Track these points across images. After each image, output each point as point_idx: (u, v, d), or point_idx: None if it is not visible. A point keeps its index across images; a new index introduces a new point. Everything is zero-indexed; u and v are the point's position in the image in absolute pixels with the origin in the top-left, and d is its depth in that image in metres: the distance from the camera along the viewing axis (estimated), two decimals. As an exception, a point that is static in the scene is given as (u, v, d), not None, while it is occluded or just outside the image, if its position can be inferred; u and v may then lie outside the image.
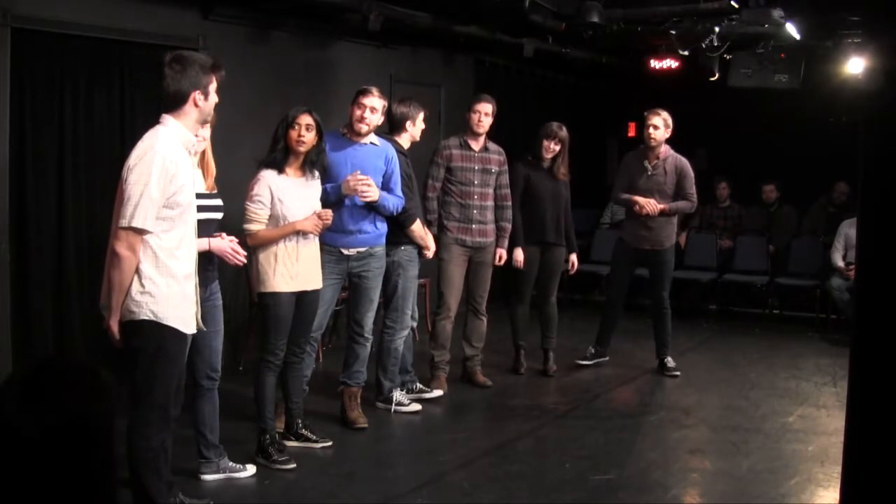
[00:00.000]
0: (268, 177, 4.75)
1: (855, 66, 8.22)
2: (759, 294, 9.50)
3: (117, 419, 1.61)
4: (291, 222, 4.76)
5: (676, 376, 6.93)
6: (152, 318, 3.57)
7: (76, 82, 5.87)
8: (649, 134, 6.80)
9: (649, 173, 6.84)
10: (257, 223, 4.69)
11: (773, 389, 6.65)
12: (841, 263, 8.39)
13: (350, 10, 6.78)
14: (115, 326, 3.60)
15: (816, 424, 5.76)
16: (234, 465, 4.60)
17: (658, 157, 6.85)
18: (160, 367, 3.64)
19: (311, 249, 4.90)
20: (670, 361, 7.02)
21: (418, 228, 5.73)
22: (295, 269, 4.78)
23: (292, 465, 4.78)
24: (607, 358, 7.28)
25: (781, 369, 7.25)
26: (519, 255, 6.58)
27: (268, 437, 4.82)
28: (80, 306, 5.95)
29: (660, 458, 5.21)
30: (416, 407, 5.91)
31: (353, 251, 5.34)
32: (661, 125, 6.79)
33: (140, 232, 3.52)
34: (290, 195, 4.76)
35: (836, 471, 4.58)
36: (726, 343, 8.34)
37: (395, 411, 5.80)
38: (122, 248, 3.51)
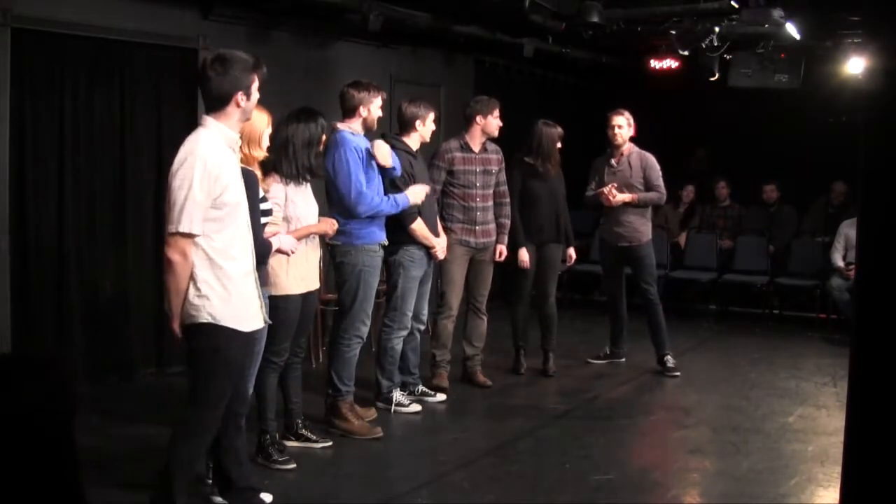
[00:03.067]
0: (275, 178, 4.74)
1: (855, 66, 8.22)
2: (759, 294, 9.50)
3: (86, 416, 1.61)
4: (307, 225, 4.79)
5: (676, 376, 6.93)
6: (210, 320, 3.60)
7: (76, 82, 5.87)
8: (614, 134, 6.94)
9: (614, 170, 6.96)
10: (273, 225, 4.67)
11: (773, 389, 6.65)
12: (841, 263, 8.39)
13: (350, 10, 6.78)
14: (177, 329, 3.65)
15: (816, 424, 5.76)
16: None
17: (622, 154, 6.97)
18: (218, 368, 3.68)
19: (315, 251, 4.95)
20: (670, 361, 7.02)
21: (419, 228, 5.71)
22: (304, 271, 4.79)
23: (292, 466, 4.78)
24: (623, 359, 7.32)
25: (781, 369, 7.25)
26: (524, 254, 6.57)
27: (268, 437, 4.82)
28: (81, 306, 5.96)
29: (660, 458, 5.22)
30: (417, 407, 5.91)
31: (385, 244, 5.49)
32: (624, 124, 6.94)
33: (188, 236, 3.52)
34: (300, 196, 4.78)
35: (836, 471, 4.58)
36: (726, 343, 8.34)
37: (395, 411, 5.80)
38: (173, 254, 3.53)
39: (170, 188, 3.54)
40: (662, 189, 7.00)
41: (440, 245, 5.86)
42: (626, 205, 6.86)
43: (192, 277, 3.56)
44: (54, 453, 1.50)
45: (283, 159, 4.69)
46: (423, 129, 5.78)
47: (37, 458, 1.48)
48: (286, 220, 4.72)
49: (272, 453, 4.79)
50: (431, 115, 5.81)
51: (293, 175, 4.72)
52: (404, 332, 5.83)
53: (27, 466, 1.47)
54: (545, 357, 6.91)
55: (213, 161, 3.55)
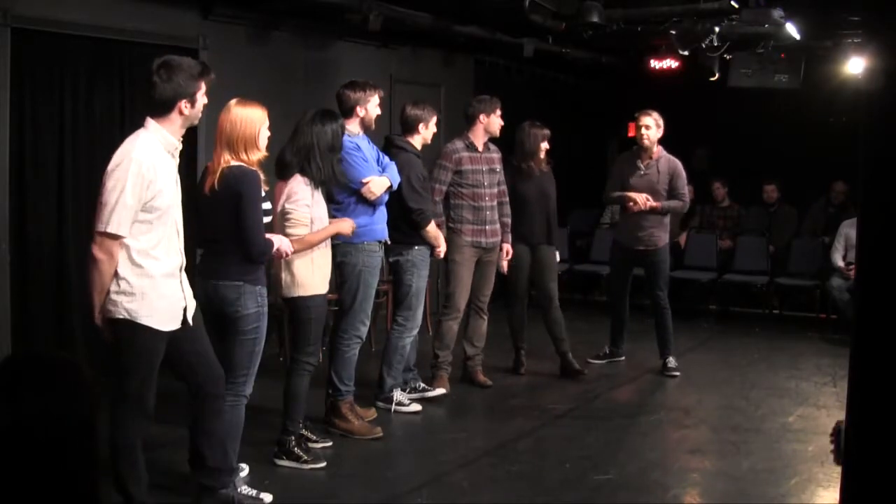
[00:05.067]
0: (302, 180, 4.72)
1: (855, 66, 8.22)
2: (759, 294, 9.50)
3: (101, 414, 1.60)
4: (329, 225, 4.79)
5: (676, 376, 6.93)
6: (127, 316, 3.68)
7: (76, 82, 5.87)
8: (642, 135, 6.84)
9: (642, 172, 6.88)
10: (303, 226, 4.66)
11: (773, 389, 6.64)
12: (841, 263, 8.39)
13: (350, 10, 6.78)
14: (100, 322, 3.75)
15: (816, 424, 5.76)
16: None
17: (651, 157, 6.88)
18: (134, 362, 3.77)
19: (330, 252, 4.96)
20: (671, 361, 7.02)
21: (433, 229, 5.77)
22: (326, 271, 4.83)
23: (322, 464, 4.80)
24: (623, 358, 7.31)
25: (781, 369, 7.24)
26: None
27: (293, 439, 4.81)
28: (80, 306, 5.94)
29: (660, 458, 5.22)
30: (417, 407, 5.91)
31: (386, 241, 5.50)
32: (652, 125, 6.83)
33: (115, 237, 3.60)
34: (317, 198, 4.79)
35: (836, 471, 4.54)
36: (726, 343, 8.34)
37: (396, 411, 5.80)
38: (98, 252, 3.62)
39: (103, 187, 3.61)
40: (686, 198, 6.99)
41: (444, 245, 5.93)
42: (648, 210, 6.81)
43: (115, 274, 3.65)
44: (70, 460, 1.50)
45: (311, 163, 4.68)
46: (426, 133, 5.83)
47: (53, 465, 1.47)
48: (311, 221, 4.73)
49: (300, 454, 4.78)
50: (434, 119, 5.86)
51: (320, 181, 4.73)
52: (416, 331, 5.87)
53: (43, 472, 1.46)
54: (564, 360, 6.81)
55: (147, 165, 3.62)
